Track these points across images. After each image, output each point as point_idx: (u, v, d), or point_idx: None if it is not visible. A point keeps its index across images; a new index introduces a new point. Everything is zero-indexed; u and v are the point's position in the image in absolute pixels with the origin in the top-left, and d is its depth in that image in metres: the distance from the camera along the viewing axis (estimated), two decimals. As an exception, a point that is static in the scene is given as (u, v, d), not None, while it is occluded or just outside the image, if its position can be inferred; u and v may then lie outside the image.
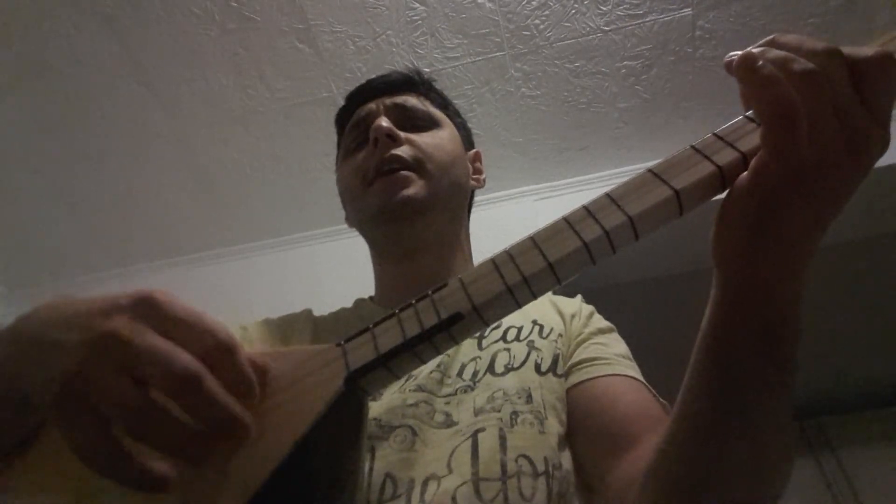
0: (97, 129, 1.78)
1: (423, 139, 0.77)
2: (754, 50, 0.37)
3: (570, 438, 0.66)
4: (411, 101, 0.80)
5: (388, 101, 0.80)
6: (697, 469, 0.45)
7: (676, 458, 0.47)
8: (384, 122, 0.74)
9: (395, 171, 0.73)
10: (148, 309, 0.34)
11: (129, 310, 0.34)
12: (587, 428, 0.64)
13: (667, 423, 0.48)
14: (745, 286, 0.40)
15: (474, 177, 0.86)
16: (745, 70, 0.36)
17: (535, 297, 0.39)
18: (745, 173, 0.37)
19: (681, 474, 0.46)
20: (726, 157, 0.38)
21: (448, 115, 0.85)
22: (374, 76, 0.86)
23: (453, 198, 0.79)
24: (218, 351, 0.35)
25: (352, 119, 0.82)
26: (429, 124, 0.79)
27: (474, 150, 0.89)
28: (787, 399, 0.42)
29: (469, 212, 0.87)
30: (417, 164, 0.74)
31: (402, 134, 0.75)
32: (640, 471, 0.51)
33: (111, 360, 0.32)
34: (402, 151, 0.74)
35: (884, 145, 0.36)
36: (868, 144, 0.35)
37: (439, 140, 0.78)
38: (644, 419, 0.60)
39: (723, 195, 0.40)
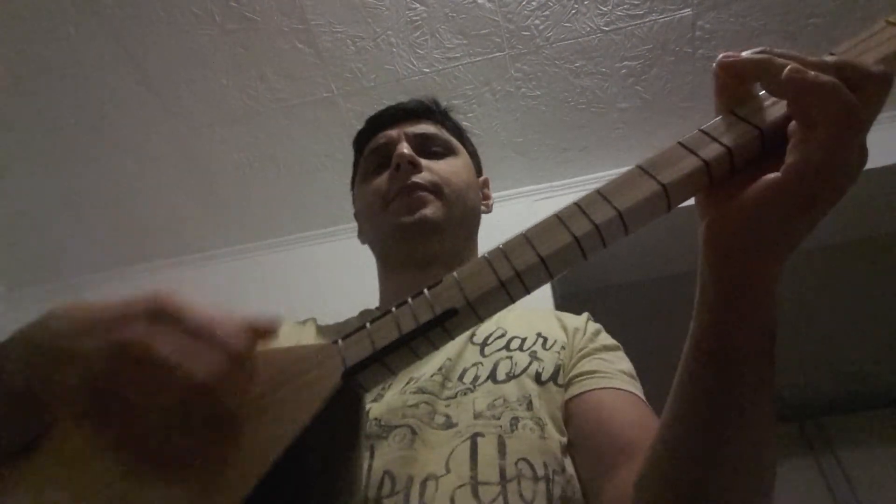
0: (97, 129, 1.78)
1: (441, 166, 0.83)
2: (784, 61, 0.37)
3: (569, 450, 0.65)
4: (430, 129, 0.86)
5: (409, 129, 0.85)
6: (696, 469, 0.45)
7: (672, 459, 0.46)
8: (406, 149, 0.80)
9: (413, 191, 0.78)
10: (162, 316, 0.35)
11: (143, 317, 0.35)
12: (583, 440, 0.63)
13: (657, 426, 0.48)
14: (748, 284, 0.40)
15: (484, 202, 0.92)
16: (797, 82, 0.36)
17: (528, 291, 0.39)
18: (789, 173, 0.36)
19: (677, 476, 0.46)
20: (713, 151, 0.38)
21: (462, 143, 0.91)
22: (392, 104, 0.91)
23: (466, 220, 0.84)
24: (228, 358, 0.36)
25: (370, 143, 0.88)
26: (446, 152, 0.86)
27: (484, 177, 0.95)
28: (773, 392, 0.43)
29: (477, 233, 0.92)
30: (435, 189, 0.80)
31: (423, 161, 0.81)
32: (635, 483, 0.51)
33: (135, 366, 0.34)
34: (422, 178, 0.80)
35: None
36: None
37: (456, 167, 0.84)
38: (641, 433, 0.59)
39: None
